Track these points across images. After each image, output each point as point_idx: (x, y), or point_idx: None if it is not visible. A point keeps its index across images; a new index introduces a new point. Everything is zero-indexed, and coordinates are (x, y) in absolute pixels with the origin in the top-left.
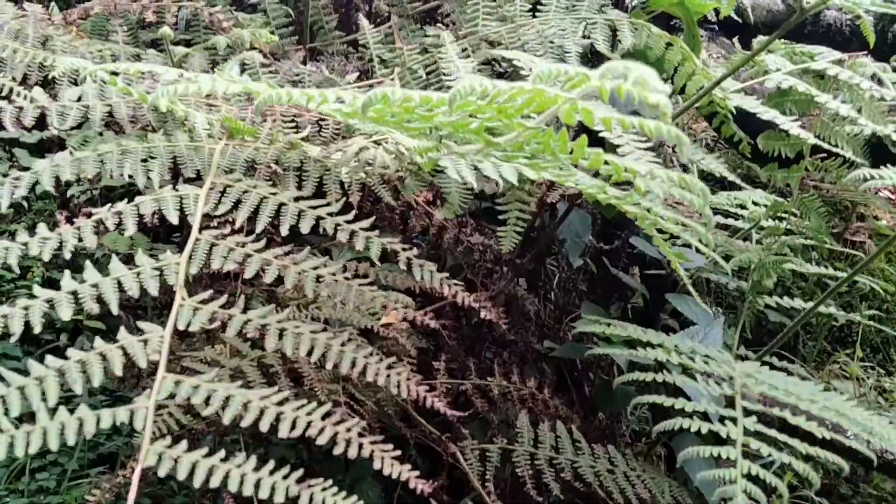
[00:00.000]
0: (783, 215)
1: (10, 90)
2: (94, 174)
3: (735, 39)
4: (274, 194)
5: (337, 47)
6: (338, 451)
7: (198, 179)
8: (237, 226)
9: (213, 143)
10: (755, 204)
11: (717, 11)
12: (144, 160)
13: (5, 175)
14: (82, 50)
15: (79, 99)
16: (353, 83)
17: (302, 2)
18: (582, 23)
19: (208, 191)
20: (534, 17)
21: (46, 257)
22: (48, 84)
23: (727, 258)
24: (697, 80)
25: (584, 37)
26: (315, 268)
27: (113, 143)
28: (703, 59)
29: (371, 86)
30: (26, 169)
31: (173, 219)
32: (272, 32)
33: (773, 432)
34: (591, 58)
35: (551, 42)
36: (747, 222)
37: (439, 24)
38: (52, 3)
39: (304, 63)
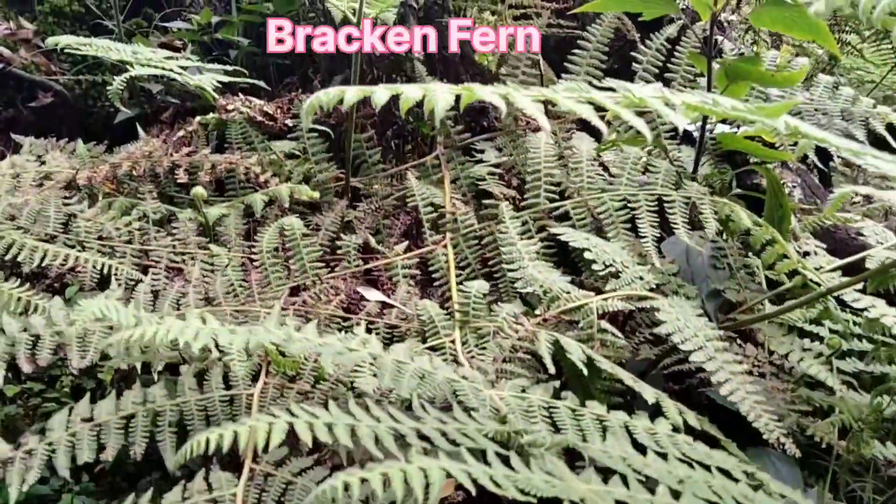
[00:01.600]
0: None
1: (27, 305)
2: (115, 451)
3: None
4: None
5: (380, 181)
6: None
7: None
8: None
9: (251, 376)
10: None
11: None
12: (175, 423)
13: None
14: (108, 227)
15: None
16: (403, 254)
17: (343, 136)
18: (656, 198)
19: (246, 483)
20: (605, 179)
21: None
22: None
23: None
24: (790, 263)
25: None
26: None
27: (138, 394)
28: (793, 228)
29: (421, 256)
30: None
31: None
32: (310, 169)
33: None
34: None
35: (624, 222)
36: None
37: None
38: (79, 142)
39: (349, 205)
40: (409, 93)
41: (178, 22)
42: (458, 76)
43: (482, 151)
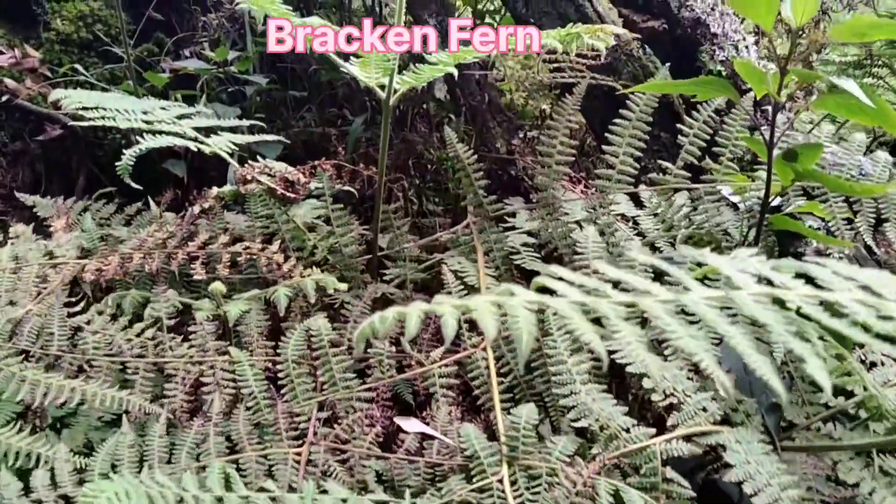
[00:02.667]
0: None
1: (28, 456)
2: None
3: None
4: None
5: (410, 254)
6: None
7: None
8: None
9: None
10: None
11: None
12: None
13: None
14: (118, 339)
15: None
16: (439, 360)
17: (372, 210)
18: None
19: None
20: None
21: None
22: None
23: None
24: (856, 379)
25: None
26: None
27: None
28: None
29: (459, 361)
30: None
31: None
32: (335, 243)
33: None
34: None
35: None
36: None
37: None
38: (87, 217)
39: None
40: (485, 321)
41: (192, 60)
42: (486, 123)
43: (514, 216)
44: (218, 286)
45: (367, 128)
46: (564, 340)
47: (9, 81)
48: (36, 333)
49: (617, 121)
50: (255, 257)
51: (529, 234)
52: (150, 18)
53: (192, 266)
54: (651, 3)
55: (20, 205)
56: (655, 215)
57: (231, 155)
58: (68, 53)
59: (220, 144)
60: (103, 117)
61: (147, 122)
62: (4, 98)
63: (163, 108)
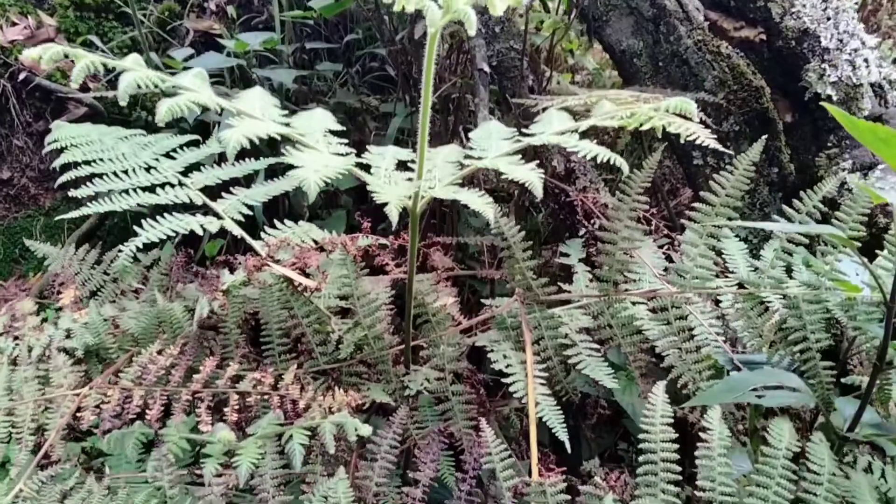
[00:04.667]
0: None
1: None
2: None
3: None
4: None
5: (450, 341)
6: None
7: None
8: None
9: None
10: None
11: None
12: None
13: None
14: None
15: None
16: None
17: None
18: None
19: None
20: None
21: None
22: None
23: None
24: None
25: None
26: None
27: None
28: None
29: None
30: None
31: None
32: (364, 337)
33: None
34: None
35: None
36: None
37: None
38: (92, 305)
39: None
40: None
41: (211, 54)
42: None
43: (571, 273)
44: (227, 436)
45: (408, 115)
46: None
47: (25, 58)
48: None
49: (697, 205)
50: (268, 395)
51: (586, 310)
52: None
53: (197, 408)
54: (747, 7)
55: (52, 186)
56: (746, 319)
57: (245, 223)
58: (84, 20)
59: (230, 211)
60: (97, 195)
61: (149, 190)
62: (22, 76)
63: (168, 156)
